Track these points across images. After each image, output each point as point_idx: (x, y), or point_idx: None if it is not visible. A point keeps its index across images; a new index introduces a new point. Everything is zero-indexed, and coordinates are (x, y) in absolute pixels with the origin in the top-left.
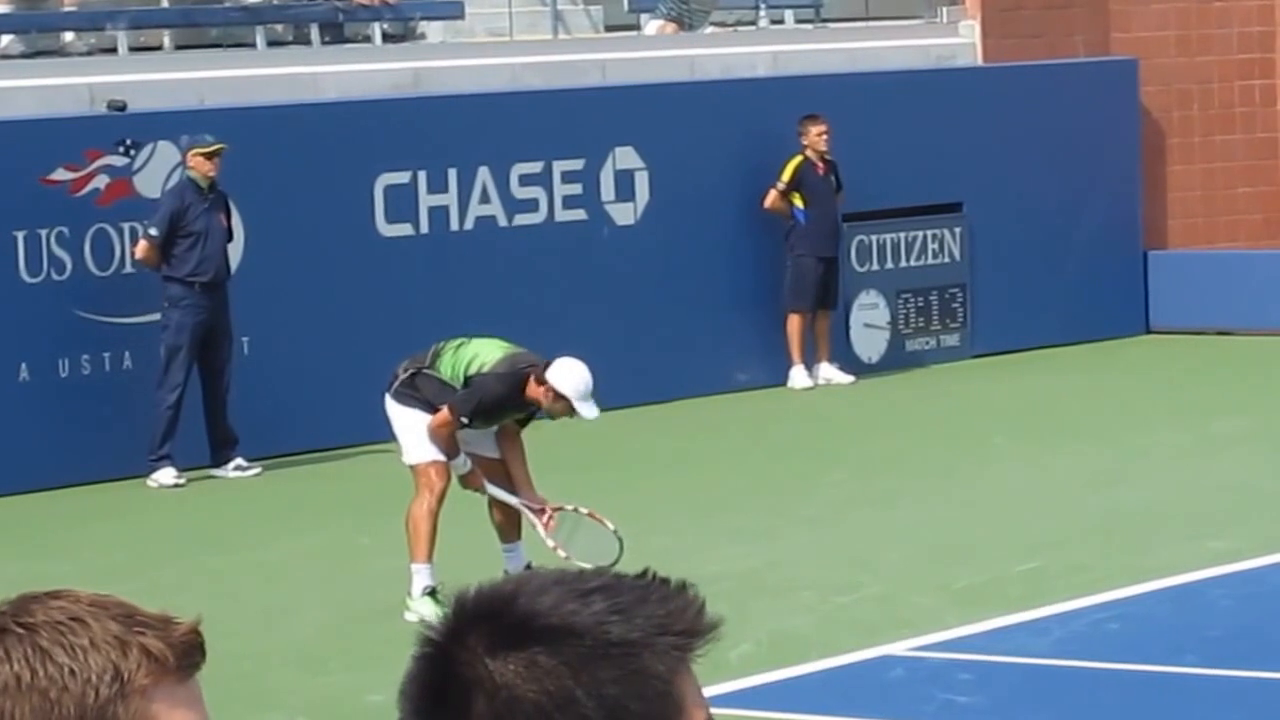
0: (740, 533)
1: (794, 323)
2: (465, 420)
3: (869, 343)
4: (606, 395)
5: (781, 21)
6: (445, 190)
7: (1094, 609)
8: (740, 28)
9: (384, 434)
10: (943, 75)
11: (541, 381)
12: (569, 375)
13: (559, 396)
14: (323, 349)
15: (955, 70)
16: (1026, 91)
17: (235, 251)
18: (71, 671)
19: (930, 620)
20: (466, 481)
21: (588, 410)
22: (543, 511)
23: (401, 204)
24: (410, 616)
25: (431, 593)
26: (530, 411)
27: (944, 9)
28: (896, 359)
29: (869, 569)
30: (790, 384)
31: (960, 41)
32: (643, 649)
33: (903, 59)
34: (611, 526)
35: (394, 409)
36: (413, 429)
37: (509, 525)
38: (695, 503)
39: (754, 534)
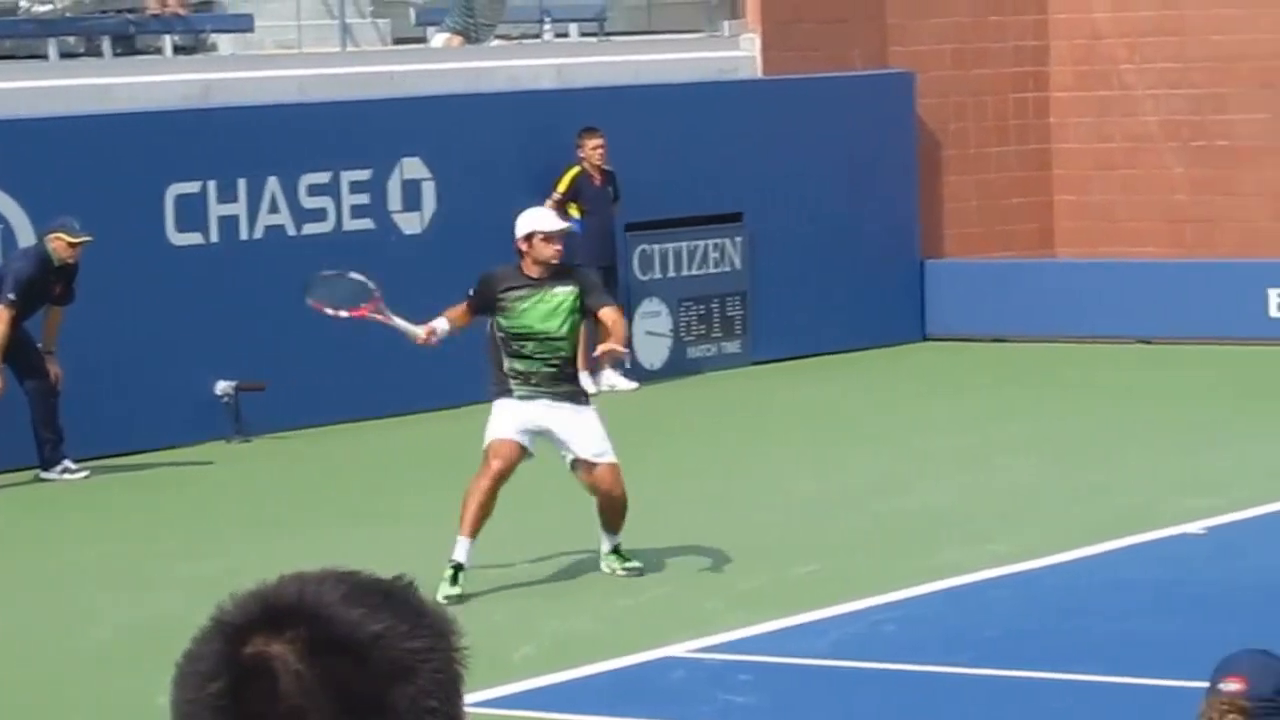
0: (526, 534)
1: None
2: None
3: (651, 350)
4: (388, 404)
5: (566, 34)
6: (235, 200)
7: (873, 610)
8: (525, 40)
9: (176, 439)
10: (724, 87)
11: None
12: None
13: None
14: (114, 356)
15: (736, 83)
16: (806, 103)
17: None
18: None
19: (713, 622)
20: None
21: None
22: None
23: (192, 213)
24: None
25: (456, 568)
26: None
27: (726, 22)
28: (678, 365)
29: (651, 571)
30: None
31: (741, 54)
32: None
33: (685, 72)
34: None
35: None
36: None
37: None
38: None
39: (542, 534)
